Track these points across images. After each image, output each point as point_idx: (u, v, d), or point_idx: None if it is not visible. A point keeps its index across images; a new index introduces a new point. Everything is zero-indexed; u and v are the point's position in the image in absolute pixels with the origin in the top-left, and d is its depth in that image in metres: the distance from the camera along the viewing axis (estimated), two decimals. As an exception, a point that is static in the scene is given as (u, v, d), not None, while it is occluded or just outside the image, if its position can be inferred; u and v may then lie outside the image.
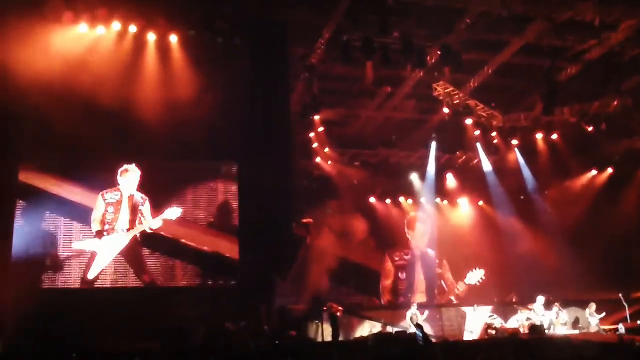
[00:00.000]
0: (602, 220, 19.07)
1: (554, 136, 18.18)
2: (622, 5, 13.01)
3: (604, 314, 15.75)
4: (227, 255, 14.97)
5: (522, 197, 20.96)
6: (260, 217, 14.55)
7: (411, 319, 15.87)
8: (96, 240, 13.51)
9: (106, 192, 13.71)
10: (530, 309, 16.57)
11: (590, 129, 16.95)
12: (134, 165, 13.86)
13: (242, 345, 12.29)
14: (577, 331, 15.91)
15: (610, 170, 19.82)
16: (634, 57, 14.36)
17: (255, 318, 13.47)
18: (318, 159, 18.59)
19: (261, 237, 14.65)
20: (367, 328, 16.40)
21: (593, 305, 15.97)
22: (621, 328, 15.06)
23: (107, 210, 13.60)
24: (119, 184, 13.85)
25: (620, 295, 15.99)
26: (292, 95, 15.61)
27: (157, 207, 14.12)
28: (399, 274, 17.92)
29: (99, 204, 13.64)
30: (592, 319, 15.84)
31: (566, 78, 15.63)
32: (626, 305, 15.96)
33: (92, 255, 13.48)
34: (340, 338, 15.52)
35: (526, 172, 20.23)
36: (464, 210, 20.97)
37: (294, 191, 17.33)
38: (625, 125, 16.78)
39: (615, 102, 16.34)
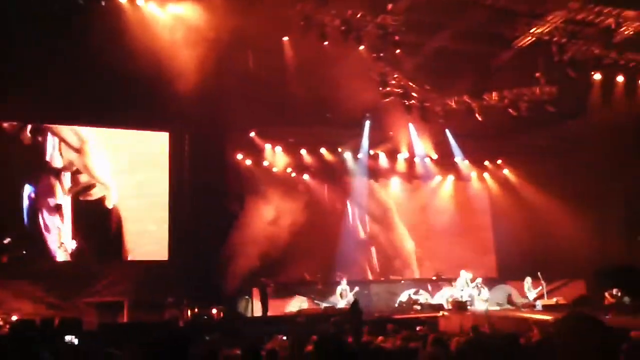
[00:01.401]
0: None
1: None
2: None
3: (540, 288, 16.56)
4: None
5: (453, 178, 21.61)
6: (192, 192, 14.32)
7: (341, 294, 16.16)
8: None
9: None
10: (454, 286, 17.22)
11: (515, 114, 17.50)
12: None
13: (171, 320, 12.16)
14: (497, 307, 16.69)
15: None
16: (562, 46, 14.86)
17: (185, 293, 13.32)
18: (252, 134, 18.40)
19: (193, 213, 14.45)
20: (296, 304, 16.59)
21: (529, 280, 16.76)
22: (538, 305, 15.90)
23: None
24: None
25: (538, 273, 16.83)
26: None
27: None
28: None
29: None
30: (530, 294, 16.64)
31: (497, 64, 16.03)
32: (544, 284, 16.83)
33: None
34: (270, 313, 15.67)
35: (458, 154, 20.88)
36: (395, 190, 21.37)
37: (228, 166, 17.15)
38: (549, 112, 17.44)
39: (542, 90, 16.89)
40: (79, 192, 14.20)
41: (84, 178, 14.77)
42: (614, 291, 15.64)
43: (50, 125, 14.69)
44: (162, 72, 12.50)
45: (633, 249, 17.83)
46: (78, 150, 14.90)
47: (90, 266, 13.40)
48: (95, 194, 14.70)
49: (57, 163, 14.67)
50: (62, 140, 14.75)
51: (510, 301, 17.39)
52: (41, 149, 14.49)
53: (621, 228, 18.02)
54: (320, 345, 3.38)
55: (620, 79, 15.95)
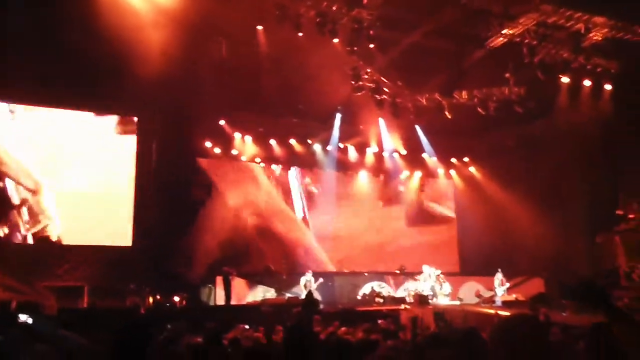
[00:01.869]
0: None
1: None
2: (526, -1, 13.65)
3: (507, 285, 16.85)
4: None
5: (421, 174, 21.83)
6: (159, 178, 14.15)
7: (305, 285, 16.21)
8: None
9: None
10: (417, 280, 17.44)
11: (484, 113, 17.75)
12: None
13: (132, 307, 12.04)
14: (457, 302, 16.97)
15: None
16: (532, 48, 15.09)
17: (148, 281, 13.17)
18: (222, 122, 18.25)
19: (159, 199, 14.28)
20: (260, 293, 16.58)
21: (500, 275, 17.05)
22: (498, 301, 16.23)
23: None
24: None
25: (499, 270, 17.15)
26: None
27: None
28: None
29: None
30: (499, 290, 16.93)
31: (469, 63, 16.20)
32: (504, 280, 17.18)
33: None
34: (233, 302, 15.63)
35: (427, 150, 21.09)
36: (363, 183, 21.48)
37: (196, 153, 16.99)
38: (517, 112, 17.72)
39: (511, 90, 17.16)
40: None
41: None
42: (572, 290, 16.03)
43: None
44: (131, 57, 12.28)
45: (590, 250, 18.28)
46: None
47: (51, 250, 13.13)
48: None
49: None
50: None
51: (478, 296, 17.67)
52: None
53: (583, 228, 18.45)
54: (287, 335, 3.39)
55: (587, 83, 16.26)
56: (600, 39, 14.98)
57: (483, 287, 18.16)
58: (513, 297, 16.67)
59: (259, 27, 14.60)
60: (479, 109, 17.74)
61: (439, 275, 17.29)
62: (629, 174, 17.53)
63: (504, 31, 14.79)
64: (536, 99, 17.09)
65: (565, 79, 16.15)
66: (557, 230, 17.68)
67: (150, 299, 13.06)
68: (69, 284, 11.73)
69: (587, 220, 18.33)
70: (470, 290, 18.22)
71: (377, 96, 17.15)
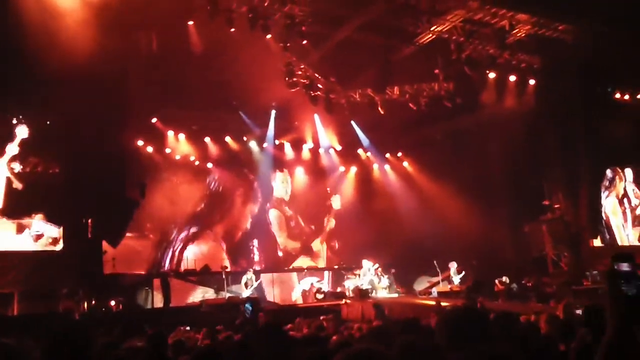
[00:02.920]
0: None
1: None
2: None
3: (463, 273, 17.23)
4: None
5: (355, 170, 22.11)
6: (90, 178, 13.64)
7: (245, 284, 16.11)
8: None
9: None
10: (356, 274, 17.64)
11: (415, 108, 18.14)
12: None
13: (66, 312, 11.61)
14: (396, 295, 17.30)
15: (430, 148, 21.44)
16: (460, 44, 15.55)
17: (81, 285, 12.72)
18: (154, 120, 17.84)
19: (91, 199, 13.77)
20: (199, 293, 16.35)
21: (454, 265, 17.41)
22: (434, 292, 16.64)
23: None
24: None
25: (435, 262, 17.59)
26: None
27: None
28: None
29: None
30: (455, 278, 17.28)
31: (400, 59, 16.50)
32: (439, 271, 17.62)
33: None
34: (172, 304, 15.34)
35: (365, 145, 21.36)
36: (300, 180, 21.52)
37: (127, 152, 16.50)
38: (446, 107, 18.21)
39: (440, 86, 17.63)
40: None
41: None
42: (503, 278, 16.65)
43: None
44: (56, 51, 11.77)
45: (517, 239, 19.04)
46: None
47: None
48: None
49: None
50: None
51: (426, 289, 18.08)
52: None
53: (509, 218, 19.18)
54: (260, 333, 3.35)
55: (512, 78, 16.90)
56: (523, 35, 15.63)
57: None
58: (448, 287, 17.15)
59: (190, 22, 14.33)
60: (411, 105, 18.12)
61: (377, 268, 17.56)
62: (551, 165, 18.34)
63: (432, 28, 15.17)
64: (464, 94, 17.62)
65: (491, 75, 16.72)
66: (484, 220, 18.31)
67: (85, 304, 12.62)
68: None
69: (513, 210, 19.08)
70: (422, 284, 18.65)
71: (311, 92, 17.19)
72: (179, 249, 18.25)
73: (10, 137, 12.71)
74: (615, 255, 2.02)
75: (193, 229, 18.74)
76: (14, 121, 13.00)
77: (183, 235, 18.45)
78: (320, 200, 21.24)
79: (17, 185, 12.48)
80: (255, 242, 19.23)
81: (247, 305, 8.06)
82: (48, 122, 13.07)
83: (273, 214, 20.43)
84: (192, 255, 18.11)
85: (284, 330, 3.30)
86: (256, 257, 18.94)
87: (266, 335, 3.11)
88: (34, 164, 12.84)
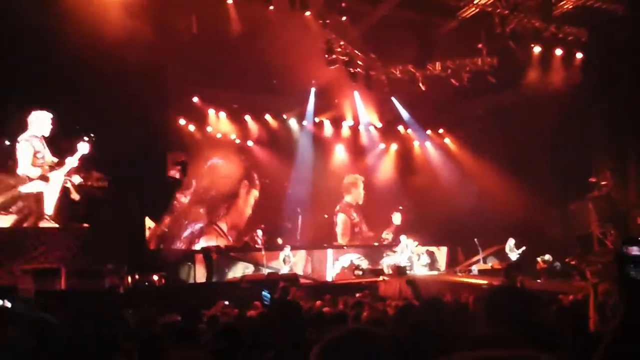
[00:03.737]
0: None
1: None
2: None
3: (523, 248, 17.02)
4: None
5: (396, 147, 21.96)
6: (133, 157, 13.95)
7: (284, 260, 16.30)
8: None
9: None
10: (395, 252, 17.62)
11: (457, 84, 17.82)
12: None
13: (110, 288, 11.99)
14: (435, 272, 17.22)
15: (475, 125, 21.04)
16: (503, 18, 15.14)
17: (126, 260, 13.10)
18: (195, 99, 18.05)
19: (133, 178, 14.10)
20: (240, 269, 16.63)
21: (512, 240, 17.24)
22: (474, 270, 16.47)
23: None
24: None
25: (475, 240, 17.37)
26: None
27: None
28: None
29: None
30: (512, 254, 17.09)
31: (442, 34, 16.21)
32: (480, 250, 17.41)
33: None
34: (214, 279, 15.67)
35: (406, 122, 21.13)
36: (340, 158, 21.50)
37: (168, 130, 16.79)
38: (490, 83, 17.83)
39: (484, 61, 17.23)
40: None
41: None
42: (546, 257, 16.35)
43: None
44: (103, 34, 12.01)
45: (564, 217, 18.63)
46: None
47: (26, 233, 12.96)
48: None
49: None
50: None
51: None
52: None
53: (555, 195, 18.76)
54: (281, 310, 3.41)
55: (558, 52, 16.39)
56: (571, 7, 15.10)
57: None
58: (489, 265, 16.95)
59: (230, 1, 14.38)
60: (453, 80, 17.80)
61: (416, 246, 17.49)
62: (598, 142, 17.80)
63: (475, 1, 14.81)
64: (508, 69, 17.20)
65: (537, 48, 16.25)
66: (527, 197, 17.95)
67: (129, 279, 13.02)
68: (45, 266, 11.62)
69: (558, 187, 18.64)
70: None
71: (350, 69, 17.10)
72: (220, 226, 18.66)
73: (71, 150, 13.02)
74: (625, 238, 1.96)
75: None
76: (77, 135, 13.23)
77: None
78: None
79: (75, 196, 12.85)
80: (293, 219, 19.34)
81: (264, 293, 7.95)
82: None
83: (341, 218, 20.58)
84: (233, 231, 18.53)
85: (298, 308, 3.34)
86: (293, 234, 19.06)
87: (280, 313, 3.15)
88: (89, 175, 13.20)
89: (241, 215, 19.40)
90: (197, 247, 17.53)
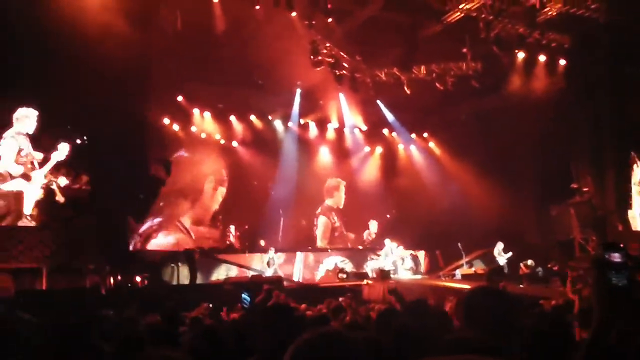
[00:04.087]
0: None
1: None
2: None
3: (510, 253, 17.00)
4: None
5: (381, 150, 22.01)
6: (115, 156, 13.80)
7: (268, 263, 16.23)
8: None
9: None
10: (379, 255, 17.64)
11: (442, 88, 17.90)
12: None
13: (92, 288, 11.86)
14: (418, 276, 17.26)
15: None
16: (488, 23, 15.23)
17: (107, 260, 12.95)
18: (180, 98, 17.94)
19: (115, 177, 13.94)
20: (223, 271, 16.54)
21: (501, 245, 17.21)
22: (457, 274, 16.54)
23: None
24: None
25: (459, 244, 17.45)
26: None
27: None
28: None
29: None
30: (500, 258, 17.07)
31: (426, 38, 16.25)
32: (463, 254, 17.49)
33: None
34: (198, 281, 15.56)
35: (391, 125, 21.16)
36: (324, 160, 21.49)
37: (153, 130, 16.67)
38: (473, 88, 17.92)
39: (468, 65, 17.34)
40: None
41: None
42: (529, 262, 16.47)
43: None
44: (87, 30, 11.88)
45: (543, 222, 18.77)
46: None
47: (4, 231, 12.76)
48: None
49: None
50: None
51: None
52: None
53: (534, 200, 18.91)
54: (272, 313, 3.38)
55: (542, 58, 16.53)
56: (554, 13, 15.21)
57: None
58: (472, 270, 17.03)
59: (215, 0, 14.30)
60: (437, 84, 17.88)
61: (399, 249, 17.52)
62: (579, 147, 17.97)
63: (460, 6, 14.88)
64: (492, 74, 17.31)
65: (521, 54, 16.38)
66: (510, 202, 18.08)
67: (111, 279, 12.87)
68: (26, 266, 11.44)
69: (539, 193, 18.80)
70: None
71: (336, 71, 17.10)
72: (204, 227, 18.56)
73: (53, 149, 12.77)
74: (606, 244, 1.96)
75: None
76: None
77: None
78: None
79: (60, 198, 12.63)
80: (277, 220, 19.26)
81: (244, 295, 7.86)
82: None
83: (321, 221, 20.59)
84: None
85: (290, 310, 3.31)
86: (277, 236, 18.98)
87: (270, 315, 3.12)
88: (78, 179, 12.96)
89: (206, 211, 19.18)
90: (155, 242, 17.30)
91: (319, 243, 20.10)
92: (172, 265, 16.07)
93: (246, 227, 18.34)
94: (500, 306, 2.48)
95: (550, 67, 16.81)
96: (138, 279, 13.84)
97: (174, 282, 15.67)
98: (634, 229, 16.67)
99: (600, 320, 1.85)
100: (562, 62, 16.73)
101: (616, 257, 1.89)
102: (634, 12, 14.44)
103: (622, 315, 1.85)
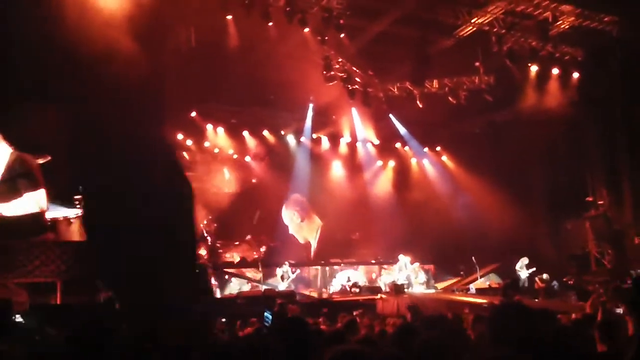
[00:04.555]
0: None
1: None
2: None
3: (534, 269, 16.75)
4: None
5: (393, 164, 22.00)
6: (132, 172, 13.83)
7: (282, 277, 16.20)
8: None
9: None
10: (392, 269, 17.54)
11: (454, 102, 17.90)
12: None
13: (107, 303, 11.85)
14: (432, 290, 17.13)
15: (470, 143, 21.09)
16: (500, 37, 15.25)
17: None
18: (193, 114, 18.06)
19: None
20: (236, 286, 16.52)
21: (525, 260, 16.96)
22: (472, 288, 16.40)
23: None
24: None
25: (473, 258, 17.33)
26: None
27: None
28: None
29: None
30: (522, 272, 16.83)
31: (438, 52, 16.28)
32: (478, 268, 17.35)
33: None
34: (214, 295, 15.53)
35: (405, 139, 21.14)
36: (337, 174, 21.48)
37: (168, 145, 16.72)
38: (486, 101, 17.91)
39: (480, 79, 17.34)
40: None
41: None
42: (544, 276, 16.30)
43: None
44: (97, 45, 11.96)
45: (559, 236, 18.60)
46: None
47: (20, 247, 12.82)
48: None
49: None
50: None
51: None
52: None
53: (549, 215, 18.76)
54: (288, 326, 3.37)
55: (555, 71, 16.49)
56: (567, 27, 15.21)
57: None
58: (487, 284, 16.89)
59: (229, 17, 14.42)
60: (450, 98, 17.89)
61: (414, 264, 17.40)
62: (594, 160, 17.85)
63: (472, 20, 14.91)
64: (505, 88, 17.29)
65: (534, 67, 16.35)
66: (525, 216, 17.96)
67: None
68: (40, 280, 11.47)
69: (554, 207, 18.65)
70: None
71: (348, 86, 17.19)
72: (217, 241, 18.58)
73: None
74: None
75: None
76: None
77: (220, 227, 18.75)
78: (356, 194, 21.01)
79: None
80: (291, 235, 19.27)
81: (266, 314, 7.67)
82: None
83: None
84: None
85: (305, 324, 3.29)
86: (291, 250, 18.95)
87: (286, 330, 3.11)
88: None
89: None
90: None
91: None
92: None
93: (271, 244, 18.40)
94: (526, 322, 2.46)
95: (563, 80, 16.75)
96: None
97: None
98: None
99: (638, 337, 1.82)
100: (575, 75, 16.66)
101: None
102: None
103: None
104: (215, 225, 18.11)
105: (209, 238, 17.65)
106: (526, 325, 2.52)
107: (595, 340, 4.78)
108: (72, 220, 13.01)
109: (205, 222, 17.92)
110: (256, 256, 17.92)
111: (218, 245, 18.05)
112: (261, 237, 18.92)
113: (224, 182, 19.41)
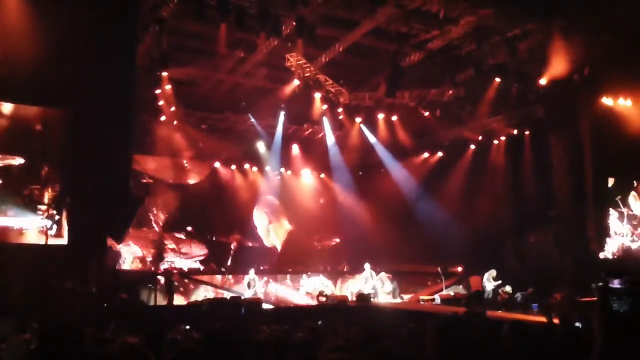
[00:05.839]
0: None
1: (394, 118, 19.24)
2: (466, 3, 14.00)
3: (500, 282, 16.77)
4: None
5: (360, 172, 22.05)
6: (95, 173, 13.61)
7: (248, 284, 16.11)
8: None
9: None
10: (357, 278, 17.58)
11: (426, 114, 18.11)
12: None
13: (65, 305, 11.63)
14: (398, 300, 17.21)
15: (439, 154, 21.35)
16: (470, 51, 15.51)
17: (83, 279, 12.74)
18: (163, 118, 17.90)
19: (95, 195, 13.74)
20: (202, 292, 16.37)
21: (493, 272, 16.97)
22: (437, 299, 16.51)
23: None
24: None
25: (438, 268, 17.46)
26: (139, 47, 14.68)
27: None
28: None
29: None
30: (488, 284, 16.84)
31: (409, 64, 16.47)
32: (443, 278, 17.49)
33: None
34: (175, 302, 15.35)
35: (378, 148, 21.24)
36: (307, 181, 21.49)
37: (133, 148, 16.53)
38: (456, 114, 18.16)
39: (450, 92, 17.59)
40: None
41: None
42: (507, 288, 16.47)
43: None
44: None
45: (522, 249, 18.89)
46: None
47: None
48: None
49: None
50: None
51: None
52: None
53: (512, 228, 19.04)
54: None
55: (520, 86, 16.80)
56: (535, 44, 15.53)
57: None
58: (451, 294, 17.02)
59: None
60: (421, 110, 18.10)
61: (380, 273, 17.45)
62: (558, 175, 18.16)
63: (442, 34, 15.12)
64: (473, 101, 17.58)
65: (500, 81, 16.66)
66: (488, 229, 18.23)
67: (85, 297, 12.61)
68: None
69: (517, 220, 18.94)
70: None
71: (320, 94, 17.26)
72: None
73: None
74: (607, 271, 1.99)
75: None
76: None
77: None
78: (327, 202, 21.05)
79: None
80: (258, 242, 19.22)
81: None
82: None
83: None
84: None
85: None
86: (258, 258, 18.89)
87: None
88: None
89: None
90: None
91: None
92: (150, 285, 15.87)
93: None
94: (470, 337, 2.49)
95: (528, 95, 17.08)
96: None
97: (151, 303, 15.45)
98: (611, 256, 16.89)
99: (603, 345, 1.86)
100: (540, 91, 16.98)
101: (616, 283, 1.92)
102: (608, 43, 14.85)
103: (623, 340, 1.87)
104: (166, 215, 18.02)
105: (156, 228, 17.55)
106: (470, 341, 2.55)
107: (554, 352, 4.87)
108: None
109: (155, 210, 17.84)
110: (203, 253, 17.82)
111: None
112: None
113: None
